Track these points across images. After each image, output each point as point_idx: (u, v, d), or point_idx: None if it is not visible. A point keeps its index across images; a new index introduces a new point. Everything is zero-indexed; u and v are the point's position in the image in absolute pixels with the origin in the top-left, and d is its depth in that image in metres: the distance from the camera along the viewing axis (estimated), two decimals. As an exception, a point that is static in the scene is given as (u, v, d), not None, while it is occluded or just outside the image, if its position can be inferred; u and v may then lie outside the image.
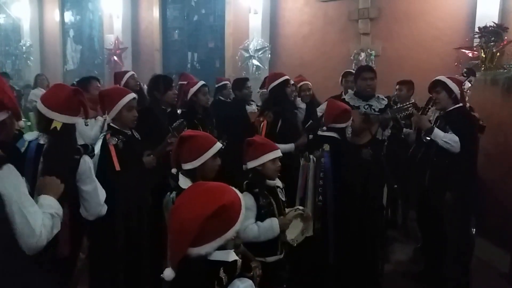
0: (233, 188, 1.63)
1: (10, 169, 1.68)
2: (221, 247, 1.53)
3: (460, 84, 3.70)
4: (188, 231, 1.45)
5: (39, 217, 1.74)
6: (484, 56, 5.51)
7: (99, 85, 4.13)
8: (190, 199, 1.53)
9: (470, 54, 5.79)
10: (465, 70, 4.73)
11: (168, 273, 1.51)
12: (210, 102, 4.73)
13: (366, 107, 3.94)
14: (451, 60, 5.97)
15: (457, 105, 3.64)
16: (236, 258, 1.56)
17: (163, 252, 2.05)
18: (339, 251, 3.32)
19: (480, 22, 5.71)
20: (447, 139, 3.49)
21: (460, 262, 3.66)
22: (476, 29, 5.63)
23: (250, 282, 1.55)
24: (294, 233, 2.72)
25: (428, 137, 3.60)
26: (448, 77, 3.71)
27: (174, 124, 3.39)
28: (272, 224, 2.58)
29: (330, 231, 3.30)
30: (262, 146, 2.67)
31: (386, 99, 4.13)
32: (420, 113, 3.73)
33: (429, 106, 3.73)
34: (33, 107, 6.60)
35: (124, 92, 3.05)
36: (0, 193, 1.62)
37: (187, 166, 2.34)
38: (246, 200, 2.52)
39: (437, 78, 3.72)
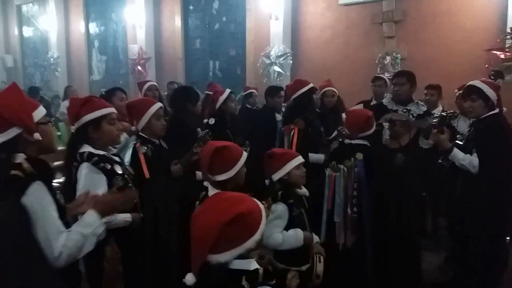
0: (255, 199, 1.65)
1: (39, 187, 1.71)
2: (243, 256, 1.55)
3: (497, 88, 3.36)
4: (207, 238, 1.49)
5: (61, 238, 1.74)
6: (515, 57, 5.23)
7: (123, 96, 4.13)
8: (210, 207, 1.59)
9: (502, 56, 5.52)
10: (492, 72, 4.48)
11: (189, 278, 1.55)
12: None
13: (404, 111, 3.79)
14: (481, 62, 5.73)
15: (492, 112, 3.32)
16: (258, 266, 1.58)
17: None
18: (377, 265, 3.20)
19: (512, 22, 5.45)
20: (466, 162, 3.28)
21: (491, 273, 3.46)
22: (508, 30, 5.37)
23: None
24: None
25: (443, 161, 3.40)
26: (483, 81, 3.38)
27: (199, 135, 3.42)
28: (296, 234, 2.59)
29: (368, 245, 3.16)
30: (283, 155, 2.69)
31: (425, 106, 4.03)
32: (437, 131, 3.46)
33: (446, 122, 3.48)
34: (64, 119, 6.86)
35: (151, 102, 3.14)
36: (25, 205, 1.66)
37: (221, 177, 2.32)
38: (279, 209, 2.57)
39: (471, 83, 3.36)
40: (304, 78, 4.35)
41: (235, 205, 1.55)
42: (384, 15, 6.96)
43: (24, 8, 14.22)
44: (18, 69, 14.42)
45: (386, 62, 6.95)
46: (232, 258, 1.52)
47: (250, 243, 1.53)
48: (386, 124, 3.49)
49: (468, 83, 3.43)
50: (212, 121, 4.19)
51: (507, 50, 5.44)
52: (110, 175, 2.34)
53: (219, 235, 1.48)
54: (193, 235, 1.56)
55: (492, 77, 4.24)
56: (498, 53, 5.59)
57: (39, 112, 1.87)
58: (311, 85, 4.09)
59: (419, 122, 3.69)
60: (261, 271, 1.57)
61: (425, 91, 5.08)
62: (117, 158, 2.50)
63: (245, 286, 1.50)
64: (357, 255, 3.15)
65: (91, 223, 1.85)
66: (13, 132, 1.74)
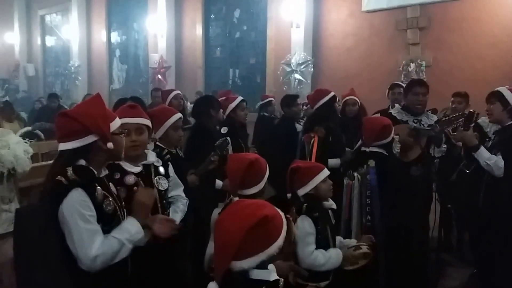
0: (275, 207, 1.64)
1: (78, 193, 1.78)
2: (262, 266, 1.54)
3: None
4: (231, 244, 1.49)
5: (96, 243, 1.79)
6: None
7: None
8: (233, 213, 1.58)
9: (532, 62, 5.37)
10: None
11: (213, 286, 1.54)
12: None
13: (415, 121, 3.65)
14: (509, 69, 5.58)
15: None
16: (278, 277, 1.57)
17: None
18: (390, 273, 3.09)
19: (542, 27, 5.31)
20: (491, 162, 3.16)
21: None
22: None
23: None
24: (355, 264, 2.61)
25: (470, 156, 3.27)
26: (510, 88, 3.31)
27: (217, 143, 3.33)
28: (337, 254, 2.53)
29: (380, 253, 3.02)
30: (309, 169, 2.58)
31: (435, 115, 3.84)
32: (463, 129, 3.36)
33: (473, 120, 3.36)
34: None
35: (170, 112, 3.07)
36: (63, 212, 1.75)
37: (252, 190, 2.29)
38: (305, 225, 2.47)
39: (496, 89, 3.36)
40: (326, 86, 4.32)
41: (258, 210, 1.55)
42: (408, 22, 6.88)
43: (48, 18, 14.52)
44: (39, 78, 14.69)
45: (410, 69, 6.84)
46: (255, 265, 1.51)
47: (273, 248, 1.52)
48: (396, 137, 3.39)
49: (495, 89, 3.38)
50: (224, 130, 4.08)
51: (537, 56, 5.30)
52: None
53: (243, 240, 1.48)
54: (216, 242, 1.56)
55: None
56: (528, 59, 5.44)
57: (115, 123, 1.98)
58: (332, 93, 4.06)
59: (427, 132, 3.56)
60: (281, 282, 1.56)
61: (452, 99, 4.91)
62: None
63: None
64: (371, 264, 3.04)
65: (128, 229, 1.90)
66: (89, 139, 1.85)
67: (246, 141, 4.23)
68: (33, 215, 1.79)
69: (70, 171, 1.78)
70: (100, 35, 12.69)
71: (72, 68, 12.87)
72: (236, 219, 1.53)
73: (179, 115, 3.04)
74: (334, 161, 3.79)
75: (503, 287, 3.33)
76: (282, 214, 1.63)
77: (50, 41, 14.60)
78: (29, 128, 6.13)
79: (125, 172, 2.33)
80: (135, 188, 2.28)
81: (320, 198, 2.57)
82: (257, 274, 1.53)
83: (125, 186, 2.29)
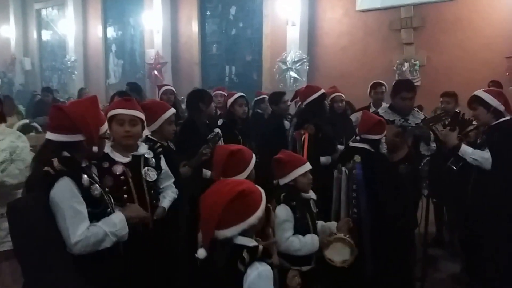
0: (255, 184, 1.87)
1: (65, 181, 1.89)
2: (247, 235, 1.77)
3: (499, 95, 3.37)
4: (213, 215, 1.72)
5: (80, 228, 1.90)
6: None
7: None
8: (215, 189, 1.81)
9: (524, 63, 5.46)
10: (490, 83, 4.48)
11: (201, 252, 1.77)
12: (248, 114, 4.68)
13: (402, 121, 3.74)
14: (502, 69, 5.67)
15: (503, 119, 3.32)
16: (257, 244, 1.77)
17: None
18: (376, 264, 3.20)
19: (533, 29, 5.39)
20: (476, 156, 3.25)
21: (504, 284, 3.39)
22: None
23: (268, 267, 1.74)
24: (341, 255, 2.70)
25: (454, 164, 3.36)
26: (485, 90, 3.42)
27: (209, 136, 3.43)
28: (313, 240, 2.65)
29: (366, 244, 3.15)
30: (290, 162, 2.70)
31: (421, 113, 3.94)
32: (448, 129, 3.45)
33: (459, 120, 3.47)
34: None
35: (166, 107, 3.16)
36: (53, 199, 1.87)
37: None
38: (284, 212, 2.61)
39: (473, 94, 3.43)
40: (321, 85, 4.36)
41: (237, 186, 1.78)
42: (402, 22, 6.95)
43: (44, 12, 14.47)
44: (36, 72, 14.66)
45: (404, 69, 6.92)
46: (237, 233, 1.74)
47: (253, 219, 1.75)
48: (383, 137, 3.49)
49: (473, 94, 3.46)
50: (220, 121, 4.25)
51: (528, 57, 5.39)
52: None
53: (224, 212, 1.70)
54: (201, 215, 1.78)
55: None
56: (519, 60, 5.53)
57: (104, 128, 2.11)
58: (322, 91, 4.08)
59: (413, 130, 3.65)
60: (260, 247, 1.76)
61: (441, 99, 5.01)
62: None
63: (245, 257, 1.69)
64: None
65: (115, 224, 2.02)
66: (77, 138, 1.97)
67: (247, 137, 4.27)
68: (24, 206, 1.88)
69: (56, 161, 1.89)
70: (96, 30, 12.67)
71: (69, 62, 12.85)
72: (217, 194, 1.77)
73: (173, 110, 3.15)
74: (324, 159, 3.88)
75: (490, 280, 3.42)
76: (261, 190, 1.85)
77: (46, 35, 14.55)
78: (26, 121, 6.21)
79: (113, 162, 2.46)
80: (122, 177, 2.43)
81: (298, 189, 2.69)
82: (240, 240, 1.75)
83: (113, 175, 2.42)
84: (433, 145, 3.79)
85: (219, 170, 2.39)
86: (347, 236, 2.72)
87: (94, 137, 2.00)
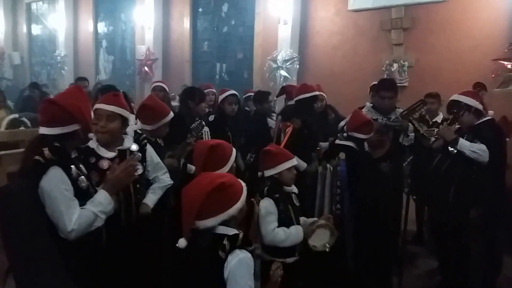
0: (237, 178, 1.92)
1: (56, 171, 1.92)
2: (227, 225, 1.81)
3: (475, 95, 3.46)
4: (193, 205, 1.76)
5: (74, 216, 1.93)
6: (521, 67, 5.26)
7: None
8: (196, 182, 1.86)
9: (509, 66, 5.54)
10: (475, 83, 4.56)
11: (182, 242, 1.80)
12: (238, 112, 4.69)
13: (384, 119, 3.80)
14: (489, 71, 5.75)
15: (485, 119, 3.43)
16: (238, 232, 1.80)
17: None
18: (358, 258, 3.30)
19: (521, 32, 5.48)
20: (475, 148, 3.29)
21: (484, 281, 3.48)
22: (514, 40, 5.41)
23: (249, 254, 1.78)
24: (322, 240, 2.77)
25: (454, 148, 3.40)
26: (461, 93, 3.49)
27: (192, 125, 3.44)
28: (297, 230, 2.69)
29: (348, 239, 3.25)
30: (278, 155, 2.75)
31: (402, 109, 3.97)
32: (447, 124, 3.52)
33: (459, 116, 3.53)
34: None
35: (166, 111, 3.21)
36: (43, 187, 1.89)
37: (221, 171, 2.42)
38: (267, 205, 2.66)
39: (450, 98, 3.52)
40: (311, 83, 4.37)
41: (217, 178, 1.82)
42: (393, 22, 7.01)
43: (34, 6, 14.32)
44: (25, 66, 14.50)
45: (393, 69, 6.98)
46: (217, 223, 1.78)
47: (233, 210, 1.79)
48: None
49: (449, 99, 3.55)
50: (211, 118, 4.27)
51: (515, 59, 5.46)
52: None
53: (203, 202, 1.75)
54: (183, 206, 1.81)
55: (478, 89, 4.31)
56: (505, 63, 5.61)
57: (92, 114, 2.19)
58: (316, 93, 4.11)
59: (393, 124, 3.73)
60: (241, 235, 1.79)
61: (426, 100, 5.07)
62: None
63: (226, 245, 1.74)
64: (339, 247, 3.16)
65: (101, 202, 2.06)
66: (73, 127, 2.01)
67: (236, 133, 4.31)
68: (14, 192, 1.92)
69: (46, 151, 1.92)
70: (87, 25, 12.58)
71: (58, 57, 12.72)
72: (198, 185, 1.81)
73: (172, 114, 3.21)
74: (300, 162, 3.79)
75: (465, 276, 3.49)
76: (243, 183, 1.90)
77: (36, 29, 14.40)
78: (15, 115, 6.17)
79: (99, 157, 2.47)
80: (108, 172, 2.37)
81: (282, 183, 2.75)
82: (221, 229, 1.79)
83: (99, 171, 2.43)
84: (411, 135, 3.86)
85: (200, 165, 2.40)
86: (328, 222, 2.79)
87: (89, 124, 2.06)
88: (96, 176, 2.38)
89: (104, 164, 2.45)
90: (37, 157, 1.90)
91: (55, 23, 13.01)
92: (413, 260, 4.50)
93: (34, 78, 13.84)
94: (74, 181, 1.98)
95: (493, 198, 3.40)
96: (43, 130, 1.99)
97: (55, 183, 1.91)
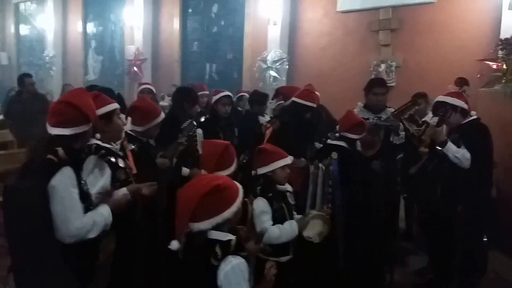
0: (234, 181, 1.90)
1: (67, 171, 1.92)
2: (221, 230, 1.79)
3: (460, 96, 3.55)
4: (187, 207, 1.74)
5: (78, 220, 1.94)
6: (506, 68, 5.32)
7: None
8: (192, 184, 1.86)
9: (495, 66, 5.61)
10: (457, 79, 4.65)
11: (174, 244, 1.77)
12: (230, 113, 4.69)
13: (375, 119, 3.86)
14: (474, 72, 5.81)
15: (471, 118, 3.52)
16: (231, 237, 1.79)
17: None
18: (349, 257, 3.33)
19: (505, 33, 5.59)
20: (459, 154, 3.39)
21: (468, 275, 3.55)
22: (500, 41, 5.49)
23: (242, 260, 1.77)
24: (316, 230, 2.82)
25: (442, 148, 3.48)
26: (446, 94, 3.59)
27: (183, 125, 3.48)
28: (291, 225, 2.73)
29: (339, 238, 3.27)
30: (272, 153, 2.78)
31: (392, 108, 4.03)
32: (436, 125, 3.59)
33: (446, 117, 3.60)
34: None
35: (158, 111, 3.21)
36: (53, 185, 1.88)
37: (226, 172, 2.45)
38: (261, 204, 2.68)
39: (436, 99, 3.61)
40: (300, 84, 4.38)
41: (213, 180, 1.81)
42: (380, 23, 7.09)
43: (22, 6, 14.21)
44: (13, 67, 14.36)
45: (380, 69, 7.06)
46: (211, 226, 1.76)
47: (227, 213, 1.78)
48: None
49: (434, 101, 3.62)
50: (203, 118, 4.23)
51: (498, 60, 5.53)
52: (114, 168, 2.39)
53: (198, 204, 1.73)
54: (177, 207, 1.81)
55: (458, 85, 4.38)
56: (490, 63, 5.67)
57: (107, 108, 2.30)
58: (314, 105, 4.04)
59: (385, 124, 3.78)
60: (233, 242, 1.78)
61: (416, 100, 5.13)
62: (120, 152, 2.57)
63: (218, 252, 1.72)
64: (331, 246, 3.23)
65: (103, 214, 2.08)
66: (84, 128, 2.03)
67: (230, 135, 4.31)
68: (22, 188, 1.92)
69: (60, 150, 1.92)
70: (76, 25, 12.52)
71: (47, 58, 12.65)
72: (193, 187, 1.81)
73: (163, 114, 3.21)
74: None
75: (453, 271, 3.54)
76: (239, 186, 1.88)
77: (24, 30, 14.29)
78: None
79: (117, 156, 2.45)
80: (127, 170, 2.46)
81: (275, 181, 2.78)
82: (214, 235, 1.78)
83: (121, 168, 2.43)
84: (402, 134, 3.92)
85: (213, 164, 2.44)
86: (321, 212, 2.86)
87: (98, 124, 2.13)
88: (122, 174, 2.40)
89: (121, 162, 2.46)
90: (50, 156, 1.90)
91: (44, 23, 12.94)
92: (403, 256, 4.55)
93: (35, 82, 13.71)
94: (80, 183, 1.99)
95: (480, 195, 3.47)
96: (54, 131, 1.98)
97: (66, 184, 1.91)
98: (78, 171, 1.98)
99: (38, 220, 1.88)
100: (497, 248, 4.14)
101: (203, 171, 2.51)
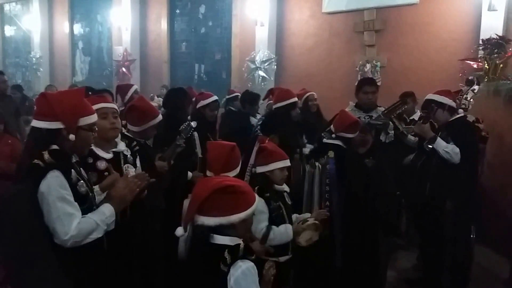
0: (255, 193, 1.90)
1: (55, 175, 1.87)
2: (223, 233, 1.76)
3: (449, 94, 3.68)
4: (198, 198, 1.74)
5: (73, 222, 1.89)
6: (487, 67, 5.54)
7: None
8: (208, 179, 1.89)
9: (475, 65, 5.82)
10: (468, 79, 4.78)
11: (179, 230, 1.81)
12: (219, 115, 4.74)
13: (366, 118, 3.99)
14: (456, 71, 6.00)
15: (458, 116, 3.66)
16: (239, 242, 1.76)
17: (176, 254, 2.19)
18: (346, 255, 3.38)
19: (484, 34, 5.76)
20: (449, 149, 3.52)
21: (459, 270, 3.67)
22: (481, 41, 5.68)
23: (251, 263, 1.73)
24: (308, 236, 2.83)
25: (430, 145, 3.62)
26: (435, 93, 3.71)
27: (181, 127, 3.48)
28: (286, 229, 2.73)
29: (336, 236, 3.33)
30: (272, 153, 2.81)
31: (383, 107, 4.17)
32: (421, 122, 3.74)
33: (431, 115, 3.74)
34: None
35: (156, 112, 3.22)
36: (42, 191, 1.84)
37: (232, 173, 2.49)
38: (258, 204, 2.66)
39: (426, 97, 3.74)
40: (288, 84, 4.45)
41: (229, 181, 1.81)
42: (365, 24, 7.24)
43: (7, 7, 14.08)
44: (-1, 68, 14.24)
45: (366, 69, 7.21)
46: (214, 225, 1.74)
47: (235, 218, 1.74)
48: None
49: (424, 99, 3.76)
50: (195, 124, 4.17)
51: (479, 60, 5.74)
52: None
53: (208, 197, 1.73)
54: (191, 194, 1.84)
55: (468, 85, 4.52)
56: (471, 63, 5.87)
57: (88, 120, 2.06)
58: (295, 99, 4.12)
59: (375, 123, 3.90)
60: (242, 246, 1.75)
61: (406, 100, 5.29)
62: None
63: (227, 257, 1.70)
64: (328, 245, 3.28)
65: (104, 213, 2.03)
66: (56, 125, 1.95)
67: (215, 137, 4.37)
68: (11, 197, 1.91)
69: (46, 154, 1.88)
70: (62, 26, 12.46)
71: (34, 59, 12.56)
72: (209, 182, 1.82)
73: (160, 117, 3.22)
74: None
75: (443, 266, 3.67)
76: (257, 198, 1.87)
77: (9, 31, 14.17)
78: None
79: (97, 157, 2.43)
80: (105, 173, 2.39)
81: (272, 181, 2.81)
82: (221, 240, 1.76)
83: (97, 171, 2.41)
84: (391, 132, 4.06)
85: (220, 165, 2.46)
86: (318, 220, 2.87)
87: (72, 125, 1.97)
88: (94, 176, 2.36)
89: (102, 165, 2.43)
90: (36, 161, 1.86)
91: (30, 24, 12.83)
92: (395, 252, 4.66)
93: (8, 80, 13.57)
94: (73, 186, 1.95)
95: (467, 191, 3.59)
96: (33, 122, 1.99)
97: (55, 188, 1.86)
98: (67, 173, 1.92)
99: (31, 228, 1.85)
100: (481, 242, 4.24)
101: (208, 173, 2.53)
